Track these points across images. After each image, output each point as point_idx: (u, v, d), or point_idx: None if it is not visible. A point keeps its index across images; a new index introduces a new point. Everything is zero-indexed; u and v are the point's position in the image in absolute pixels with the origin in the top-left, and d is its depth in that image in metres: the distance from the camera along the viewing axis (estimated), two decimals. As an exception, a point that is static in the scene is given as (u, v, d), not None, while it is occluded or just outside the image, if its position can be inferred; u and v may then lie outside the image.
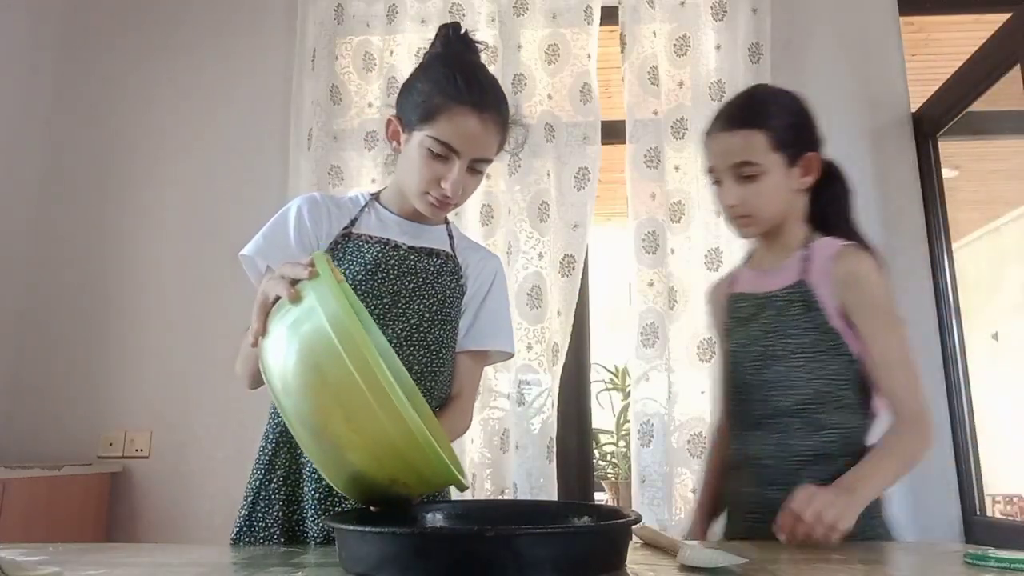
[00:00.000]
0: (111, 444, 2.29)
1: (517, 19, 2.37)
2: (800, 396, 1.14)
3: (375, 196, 1.25)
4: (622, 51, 2.34)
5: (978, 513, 2.10)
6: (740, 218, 1.18)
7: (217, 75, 2.53)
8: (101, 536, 2.19)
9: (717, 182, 1.20)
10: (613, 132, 2.33)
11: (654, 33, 2.33)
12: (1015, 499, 4.99)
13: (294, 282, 0.84)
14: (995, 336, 5.16)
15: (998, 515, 4.74)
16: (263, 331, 0.84)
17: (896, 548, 1.12)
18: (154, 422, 2.31)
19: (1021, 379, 4.84)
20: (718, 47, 2.30)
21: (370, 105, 2.40)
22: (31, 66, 2.48)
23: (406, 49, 2.39)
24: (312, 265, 0.83)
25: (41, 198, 2.46)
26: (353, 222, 1.19)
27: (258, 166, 2.46)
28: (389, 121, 1.17)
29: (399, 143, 1.16)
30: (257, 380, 1.10)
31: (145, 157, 2.50)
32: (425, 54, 1.18)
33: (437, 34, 1.17)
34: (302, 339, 0.78)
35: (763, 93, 1.23)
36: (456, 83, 1.07)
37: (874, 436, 1.15)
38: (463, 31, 1.16)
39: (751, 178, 1.15)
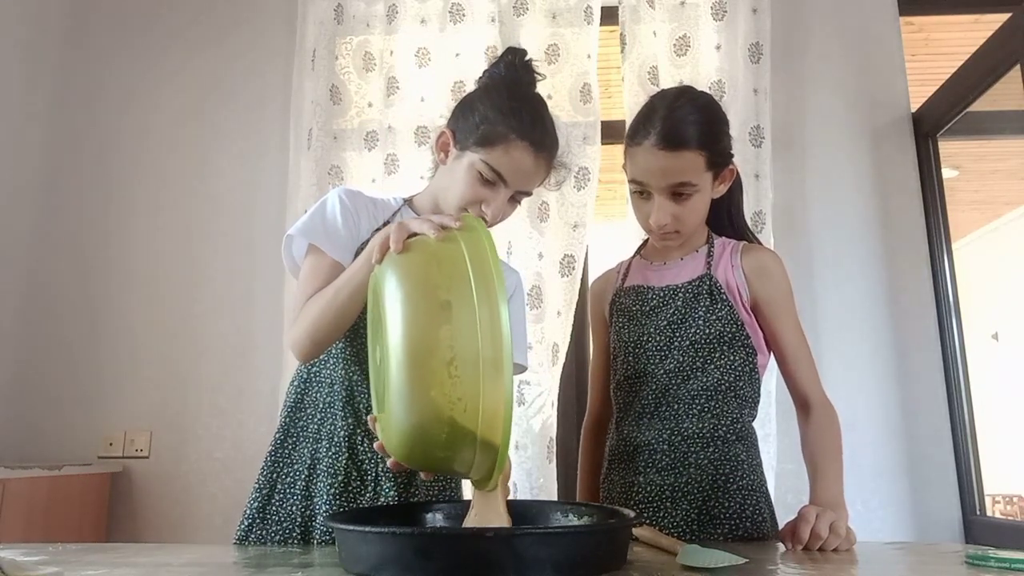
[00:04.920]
0: (111, 444, 2.29)
1: (517, 19, 2.36)
2: (700, 384, 1.17)
3: (408, 201, 1.25)
4: (622, 51, 2.34)
5: (978, 513, 2.10)
6: (669, 233, 1.19)
7: (217, 75, 2.53)
8: (101, 536, 2.19)
9: (643, 194, 1.18)
10: (613, 132, 2.33)
11: (654, 33, 2.33)
12: (1015, 499, 5.00)
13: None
14: (995, 336, 5.17)
15: (998, 515, 4.74)
16: (400, 249, 0.83)
17: (896, 548, 1.13)
18: (154, 422, 2.31)
19: (1021, 379, 4.84)
20: (718, 47, 2.30)
21: (370, 105, 2.40)
22: (31, 67, 2.48)
23: (406, 49, 2.39)
24: (459, 220, 0.84)
25: (41, 198, 2.46)
26: (385, 224, 1.18)
27: (258, 166, 2.46)
28: (442, 133, 1.17)
29: (446, 156, 1.16)
30: (320, 347, 1.09)
31: (145, 157, 2.50)
32: (485, 72, 1.20)
33: (502, 57, 1.18)
34: (440, 274, 0.78)
35: (698, 107, 1.17)
36: (522, 118, 1.09)
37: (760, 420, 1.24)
38: (527, 58, 1.18)
39: (685, 196, 1.15)
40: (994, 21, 2.14)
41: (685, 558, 0.82)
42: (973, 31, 2.65)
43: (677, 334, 1.19)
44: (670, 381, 1.19)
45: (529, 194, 1.16)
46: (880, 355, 2.21)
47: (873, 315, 2.24)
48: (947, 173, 2.41)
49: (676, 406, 1.18)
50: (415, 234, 0.85)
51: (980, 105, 2.18)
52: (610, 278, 1.38)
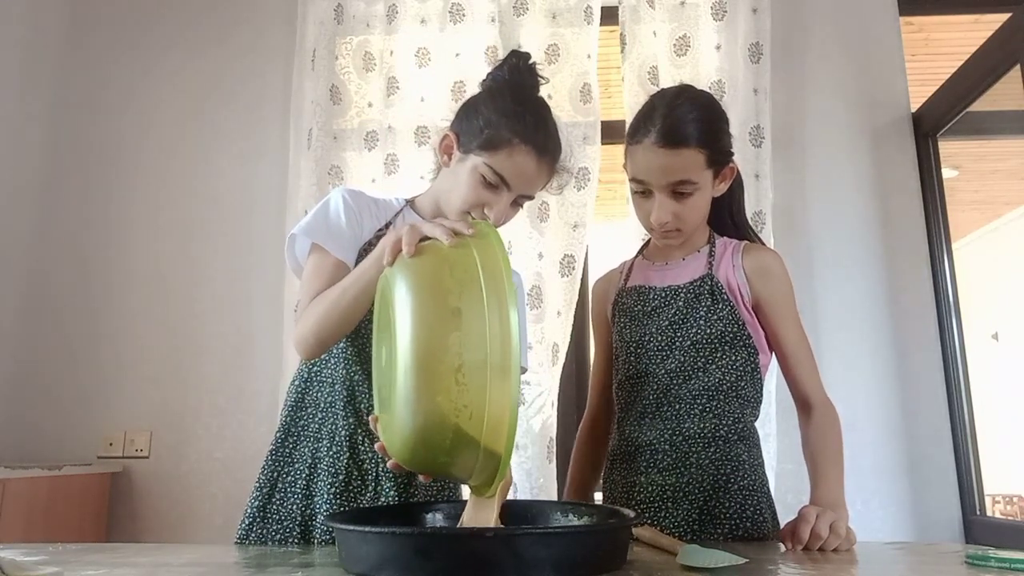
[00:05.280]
0: (111, 444, 2.29)
1: (517, 19, 2.36)
2: (701, 384, 1.17)
3: (410, 202, 1.25)
4: (622, 51, 2.34)
5: (978, 513, 2.10)
6: (671, 231, 1.19)
7: (217, 75, 2.53)
8: (101, 536, 2.19)
9: (644, 193, 1.19)
10: (613, 132, 2.33)
11: (654, 33, 2.33)
12: (1015, 499, 5.00)
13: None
14: (995, 336, 5.17)
15: (998, 515, 4.74)
16: (412, 253, 0.83)
17: (896, 548, 1.13)
18: (154, 422, 2.31)
19: (1021, 379, 4.85)
20: (718, 47, 2.30)
21: (370, 105, 2.40)
22: (31, 67, 2.48)
23: (406, 49, 2.39)
24: (472, 226, 0.84)
25: (41, 198, 2.46)
26: (387, 225, 1.19)
27: (258, 166, 2.46)
28: (445, 136, 1.17)
29: (449, 158, 1.17)
30: (325, 345, 1.08)
31: (145, 157, 2.50)
32: (488, 75, 1.20)
33: (506, 60, 1.18)
34: (452, 280, 0.77)
35: (698, 106, 1.17)
36: (525, 122, 1.10)
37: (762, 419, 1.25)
38: (531, 61, 1.18)
39: (685, 194, 1.16)
40: (994, 21, 2.14)
41: (685, 558, 0.82)
42: (973, 31, 2.65)
43: (678, 334, 1.19)
44: (671, 381, 1.19)
45: (531, 198, 1.16)
46: (880, 355, 2.21)
47: (873, 315, 2.24)
48: (947, 173, 2.42)
49: (677, 406, 1.18)
50: (427, 237, 0.85)
51: (980, 105, 2.18)
52: (612, 278, 1.38)
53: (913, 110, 2.36)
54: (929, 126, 2.31)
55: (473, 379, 0.73)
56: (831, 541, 0.96)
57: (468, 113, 1.16)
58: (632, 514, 0.84)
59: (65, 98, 2.54)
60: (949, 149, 2.93)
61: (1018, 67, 1.86)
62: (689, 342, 1.18)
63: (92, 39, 2.59)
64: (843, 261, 2.27)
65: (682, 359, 1.18)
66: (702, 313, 1.18)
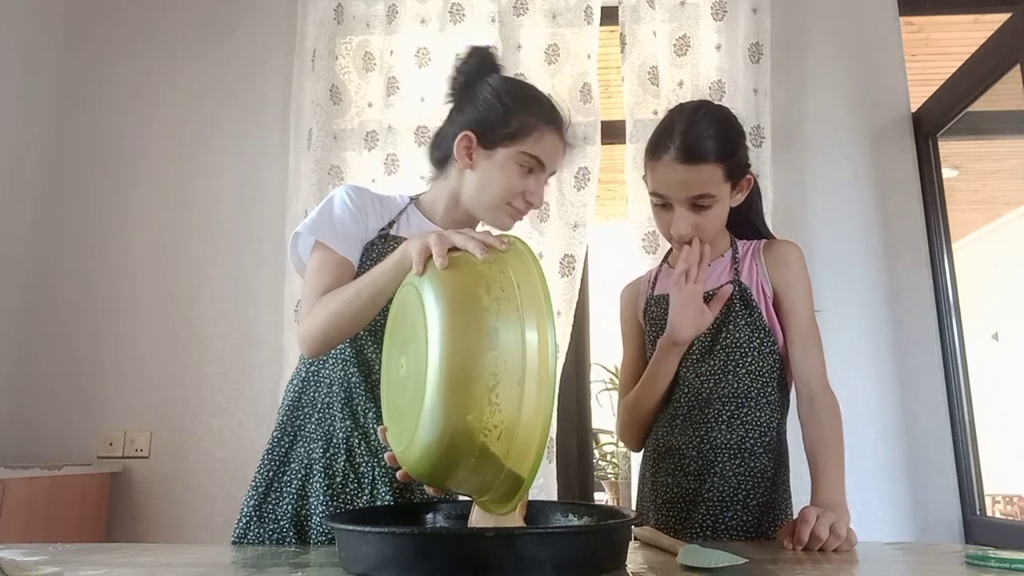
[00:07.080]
0: (111, 444, 2.29)
1: (517, 19, 2.37)
2: (730, 389, 1.19)
3: (414, 199, 1.26)
4: (622, 51, 2.34)
5: (978, 513, 2.10)
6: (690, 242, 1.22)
7: (217, 75, 2.53)
8: (101, 536, 2.19)
9: (665, 206, 1.21)
10: (613, 132, 2.33)
11: (654, 33, 2.33)
12: (1015, 499, 4.99)
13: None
14: (995, 336, 5.16)
15: (998, 515, 4.74)
16: (445, 265, 0.82)
17: (896, 548, 1.13)
18: (154, 422, 2.31)
19: (1021, 379, 4.84)
20: (718, 47, 2.30)
21: (370, 105, 2.40)
22: (32, 66, 2.48)
23: (406, 49, 2.39)
24: (505, 243, 0.84)
25: (41, 198, 2.46)
26: (391, 224, 1.19)
27: (258, 166, 2.46)
28: (464, 136, 1.17)
29: (471, 159, 1.18)
30: (332, 344, 1.08)
31: (145, 157, 2.50)
32: (461, 73, 1.25)
33: (471, 55, 1.25)
34: (489, 298, 0.76)
35: (716, 121, 1.20)
36: (542, 103, 1.19)
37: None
38: (491, 49, 1.28)
39: (704, 207, 1.18)
40: (994, 21, 2.14)
41: (685, 558, 0.82)
42: (973, 31, 2.65)
43: (707, 340, 1.22)
44: (702, 386, 1.21)
45: (554, 173, 1.23)
46: (880, 355, 2.21)
47: (873, 315, 2.24)
48: (947, 173, 2.41)
49: (707, 411, 1.20)
50: (455, 248, 0.85)
51: (980, 105, 2.17)
52: (639, 286, 1.40)
53: (913, 110, 2.36)
54: (929, 126, 2.31)
55: (507, 400, 0.72)
56: (831, 542, 0.96)
57: (483, 112, 1.17)
58: (632, 514, 0.84)
59: (65, 98, 2.54)
60: (949, 149, 2.93)
61: (1018, 67, 1.86)
62: (719, 346, 1.21)
63: (92, 39, 2.59)
64: (843, 261, 2.27)
65: (712, 364, 1.21)
66: (732, 317, 1.20)
